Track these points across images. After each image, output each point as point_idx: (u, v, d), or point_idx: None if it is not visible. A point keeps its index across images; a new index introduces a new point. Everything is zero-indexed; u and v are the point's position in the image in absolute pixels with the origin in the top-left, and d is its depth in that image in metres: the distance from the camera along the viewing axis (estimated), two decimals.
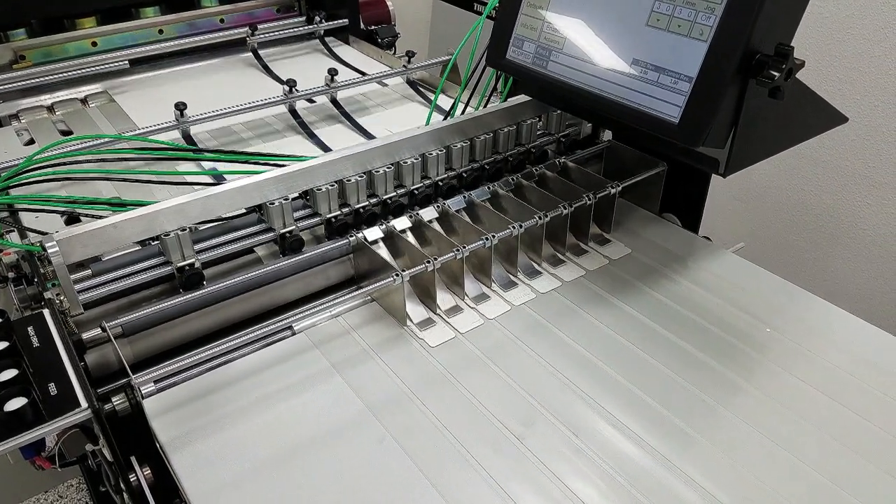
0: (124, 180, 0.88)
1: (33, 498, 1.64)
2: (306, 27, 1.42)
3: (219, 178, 0.92)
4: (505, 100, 0.91)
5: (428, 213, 0.82)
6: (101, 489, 0.68)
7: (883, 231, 1.40)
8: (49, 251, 0.62)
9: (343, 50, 1.42)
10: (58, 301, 0.64)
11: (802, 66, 0.63)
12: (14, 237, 0.80)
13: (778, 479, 0.57)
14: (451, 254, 0.73)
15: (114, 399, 0.62)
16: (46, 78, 1.18)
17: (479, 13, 0.87)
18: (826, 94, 0.73)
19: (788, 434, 0.61)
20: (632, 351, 0.70)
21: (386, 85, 1.26)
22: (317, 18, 1.42)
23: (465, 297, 0.77)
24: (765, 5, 0.59)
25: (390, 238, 0.79)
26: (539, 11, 0.76)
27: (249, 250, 0.77)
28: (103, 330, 0.63)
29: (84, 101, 1.21)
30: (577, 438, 0.60)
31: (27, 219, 0.83)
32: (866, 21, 1.29)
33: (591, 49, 0.71)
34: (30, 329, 0.59)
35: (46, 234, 0.65)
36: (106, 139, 0.93)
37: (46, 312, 0.61)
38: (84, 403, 0.53)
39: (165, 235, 0.68)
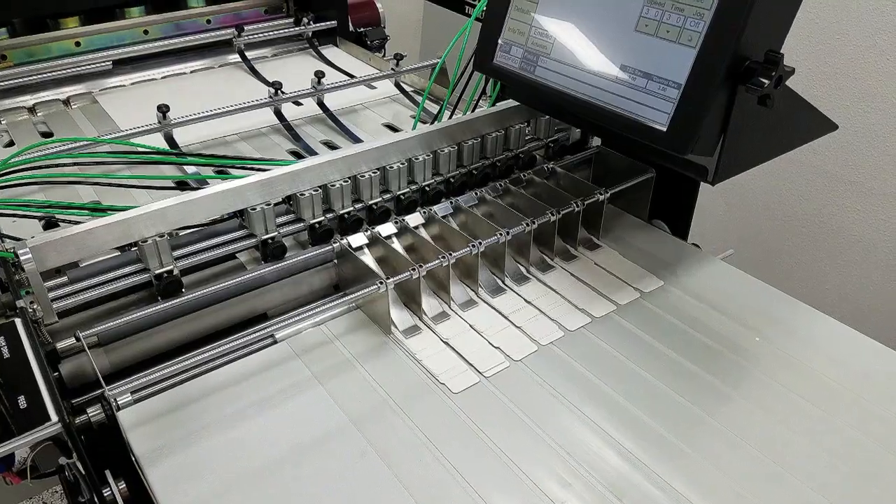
0: (104, 184, 0.86)
1: None
2: (294, 29, 1.40)
3: (201, 183, 0.90)
4: (493, 104, 0.90)
5: (414, 219, 0.81)
6: (81, 500, 0.66)
7: (873, 237, 1.40)
8: (21, 258, 0.60)
9: (331, 52, 1.41)
10: (31, 309, 0.62)
11: (792, 73, 0.62)
12: None
13: None
14: (437, 261, 0.72)
15: (89, 410, 0.60)
16: (28, 78, 1.16)
17: (471, 15, 0.86)
18: (815, 101, 0.72)
19: (784, 449, 0.60)
20: (622, 362, 0.68)
21: (374, 88, 1.24)
22: (305, 20, 1.41)
23: (452, 303, 0.75)
24: (754, 11, 0.58)
25: (375, 244, 0.77)
26: (527, 16, 0.75)
27: (230, 257, 0.76)
28: (77, 339, 0.61)
29: (66, 102, 1.19)
30: (558, 446, 0.59)
31: (4, 223, 0.81)
32: (856, 27, 1.29)
33: (578, 54, 0.70)
34: (0, 339, 0.57)
35: (22, 239, 0.63)
36: (85, 142, 0.91)
37: (18, 322, 0.59)
38: (54, 417, 0.51)
39: (143, 242, 0.67)
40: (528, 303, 0.76)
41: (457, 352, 0.69)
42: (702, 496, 0.56)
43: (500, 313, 0.74)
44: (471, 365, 0.67)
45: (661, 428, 0.61)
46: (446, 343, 0.70)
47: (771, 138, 0.72)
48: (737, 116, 0.63)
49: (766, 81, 0.60)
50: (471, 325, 0.73)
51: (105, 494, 0.57)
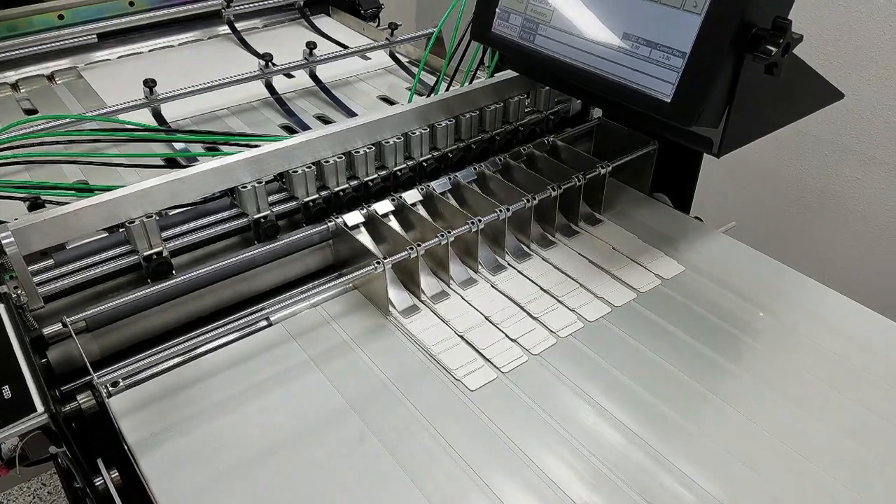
0: (89, 163, 0.83)
1: (17, 487, 1.61)
2: None
3: (190, 160, 0.88)
4: (491, 75, 0.87)
5: (411, 196, 0.79)
6: (76, 485, 0.65)
7: (874, 207, 1.38)
8: (3, 241, 0.58)
9: (324, 22, 1.37)
10: (14, 294, 0.60)
11: (800, 40, 0.59)
12: None
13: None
14: (436, 239, 0.70)
15: (79, 397, 0.59)
16: (10, 53, 1.13)
17: None
18: (819, 68, 0.70)
19: (807, 438, 0.58)
20: (643, 353, 0.66)
21: (368, 59, 1.21)
22: None
23: (451, 282, 0.74)
24: None
25: (371, 223, 0.75)
26: None
27: (222, 237, 0.73)
28: (64, 325, 0.60)
29: (50, 77, 1.15)
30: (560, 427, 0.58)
31: None
32: None
33: (579, 22, 0.68)
34: None
35: (5, 222, 0.61)
36: (70, 119, 0.88)
37: (1, 307, 0.57)
38: (41, 408, 0.49)
39: (130, 223, 0.65)
40: (545, 291, 0.72)
41: (472, 345, 0.66)
42: (731, 495, 0.54)
43: (511, 300, 0.71)
44: (487, 360, 0.65)
45: (686, 423, 0.59)
46: (461, 337, 0.67)
47: (777, 108, 0.70)
48: (743, 86, 0.61)
49: (773, 49, 0.57)
50: (486, 317, 0.69)
51: (97, 484, 0.55)
